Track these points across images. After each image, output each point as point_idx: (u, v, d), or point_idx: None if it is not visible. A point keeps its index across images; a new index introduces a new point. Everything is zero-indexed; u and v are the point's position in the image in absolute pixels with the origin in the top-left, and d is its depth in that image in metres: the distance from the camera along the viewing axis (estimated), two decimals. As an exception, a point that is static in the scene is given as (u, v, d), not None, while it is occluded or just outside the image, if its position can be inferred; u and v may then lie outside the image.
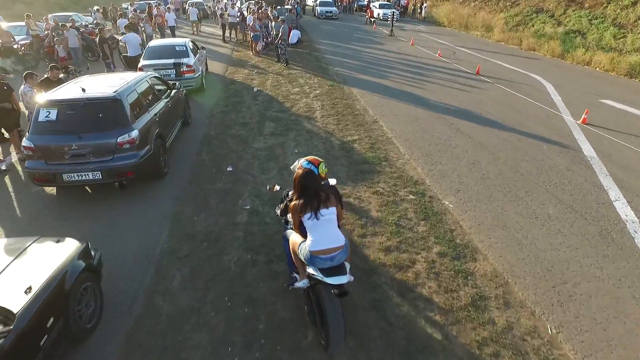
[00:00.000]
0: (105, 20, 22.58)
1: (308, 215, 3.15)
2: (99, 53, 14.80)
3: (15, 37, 13.79)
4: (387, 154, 7.18)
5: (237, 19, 19.14)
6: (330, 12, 30.44)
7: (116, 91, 5.47)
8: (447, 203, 5.64)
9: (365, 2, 36.82)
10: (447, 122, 8.80)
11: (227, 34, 19.76)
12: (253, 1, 26.65)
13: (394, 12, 23.26)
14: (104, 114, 5.31)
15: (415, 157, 7.11)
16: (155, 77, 7.19)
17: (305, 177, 3.19)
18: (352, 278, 3.49)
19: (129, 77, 6.29)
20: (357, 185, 6.08)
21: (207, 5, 29.59)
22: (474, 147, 7.51)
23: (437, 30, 25.94)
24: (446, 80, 12.59)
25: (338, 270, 3.15)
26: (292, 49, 17.15)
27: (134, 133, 5.38)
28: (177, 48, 10.44)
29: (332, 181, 3.76)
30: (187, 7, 28.76)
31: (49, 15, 21.05)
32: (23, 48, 13.49)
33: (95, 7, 23.92)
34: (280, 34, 14.06)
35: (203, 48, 12.72)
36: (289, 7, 22.70)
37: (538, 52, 18.25)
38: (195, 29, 23.47)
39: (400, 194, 5.84)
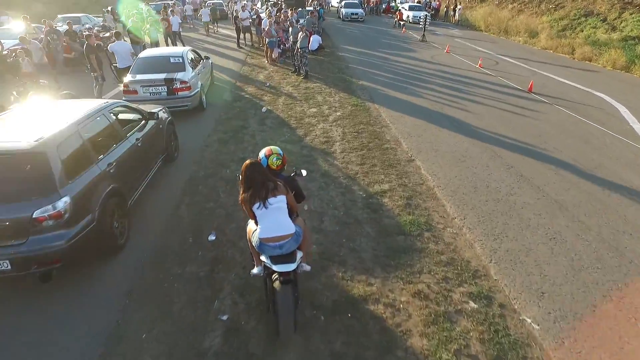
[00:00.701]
0: (117, 22, 21.34)
1: (257, 204, 3.19)
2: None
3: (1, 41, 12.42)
4: (430, 217, 5.23)
5: (250, 21, 17.52)
6: (356, 14, 28.49)
7: (40, 139, 3.74)
8: (528, 321, 3.66)
9: (385, 5, 34.84)
10: (504, 163, 6.76)
11: (242, 38, 18.12)
12: (272, 2, 25.07)
13: (426, 15, 21.03)
14: (16, 174, 3.60)
15: (469, 223, 5.13)
16: (123, 106, 5.47)
17: (250, 169, 3.23)
18: (308, 268, 3.62)
19: (78, 110, 4.56)
20: (388, 276, 4.17)
21: (225, 4, 27.97)
22: (549, 207, 5.46)
23: (473, 35, 23.61)
24: (493, 100, 10.48)
25: (286, 258, 3.22)
26: (311, 56, 15.34)
27: (62, 203, 3.63)
28: (172, 60, 8.77)
29: (304, 172, 3.80)
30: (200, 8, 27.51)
31: (59, 16, 20.02)
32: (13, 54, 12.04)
33: (109, 8, 22.72)
34: (298, 41, 12.25)
35: (207, 58, 11.06)
36: (311, 9, 20.94)
37: (595, 62, 15.77)
38: (208, 31, 22.17)
39: (454, 297, 3.90)
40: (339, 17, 30.48)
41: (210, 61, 11.31)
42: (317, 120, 8.80)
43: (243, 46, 17.87)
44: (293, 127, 8.40)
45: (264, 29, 15.10)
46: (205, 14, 24.19)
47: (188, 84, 8.41)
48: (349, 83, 12.02)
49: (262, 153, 3.55)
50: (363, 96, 10.73)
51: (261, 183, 3.17)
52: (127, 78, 8.27)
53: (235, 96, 10.67)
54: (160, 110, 6.55)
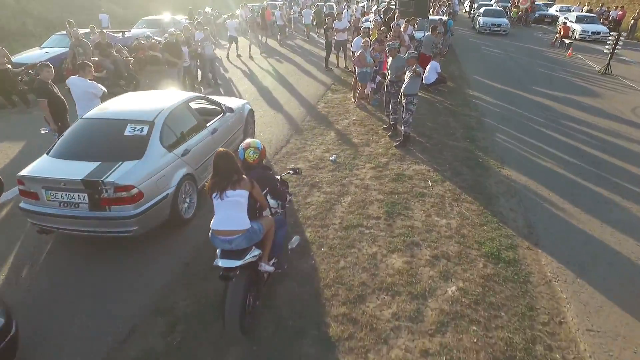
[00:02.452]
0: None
1: (215, 194, 3.12)
2: (133, 78, 10.19)
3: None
4: None
5: (348, 34, 12.83)
6: (498, 25, 21.68)
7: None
8: None
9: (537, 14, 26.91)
10: None
11: (340, 56, 13.48)
12: (378, 8, 19.82)
13: (618, 34, 13.66)
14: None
15: None
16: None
17: (218, 157, 3.14)
18: (270, 268, 3.47)
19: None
20: None
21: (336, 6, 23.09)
22: None
23: (692, 66, 15.30)
24: None
25: (235, 254, 3.11)
26: (424, 93, 9.98)
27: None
28: (130, 131, 4.46)
29: (298, 169, 4.21)
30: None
31: (144, 19, 17.95)
32: (21, 73, 9.22)
33: (207, 8, 20.15)
34: (404, 83, 7.09)
35: (244, 105, 6.84)
36: (436, 18, 15.34)
37: None
38: (309, 35, 19.60)
39: None
40: (474, 27, 23.94)
41: (246, 110, 6.88)
42: (401, 299, 3.67)
43: (333, 67, 13.22)
44: (336, 318, 3.45)
45: (354, 52, 10.19)
46: (307, 15, 20.40)
47: (135, 190, 4.02)
48: (482, 170, 6.46)
49: (241, 145, 3.50)
50: (511, 219, 5.14)
51: (225, 173, 3.09)
52: (25, 170, 4.21)
53: (276, 171, 6.02)
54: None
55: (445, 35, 14.36)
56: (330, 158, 5.16)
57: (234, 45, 14.93)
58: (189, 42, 10.45)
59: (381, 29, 11.64)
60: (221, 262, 3.04)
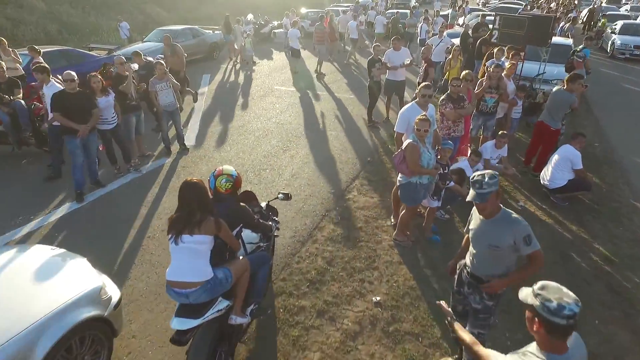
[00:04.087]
0: (228, 34, 14.64)
1: (170, 236, 2.57)
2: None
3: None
4: None
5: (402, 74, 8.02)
6: (646, 48, 14.97)
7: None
8: None
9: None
10: None
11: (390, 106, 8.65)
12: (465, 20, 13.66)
13: None
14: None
15: None
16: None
17: (184, 187, 2.59)
18: (243, 320, 2.86)
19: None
20: None
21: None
22: None
23: None
24: None
25: (192, 311, 2.57)
26: (542, 215, 4.81)
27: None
28: None
29: (281, 196, 3.62)
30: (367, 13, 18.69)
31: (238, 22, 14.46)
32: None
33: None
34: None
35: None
36: (563, 42, 9.78)
37: None
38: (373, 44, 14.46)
39: None
40: (601, 47, 17.35)
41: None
42: None
43: (378, 122, 8.37)
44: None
45: (398, 134, 5.10)
46: (379, 23, 15.84)
47: None
48: None
49: (212, 172, 2.90)
50: None
51: (187, 211, 2.55)
52: None
53: None
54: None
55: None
56: None
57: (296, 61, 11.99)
58: (160, 74, 6.35)
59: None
60: (175, 322, 2.54)
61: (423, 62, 7.52)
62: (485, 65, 7.08)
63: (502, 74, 6.19)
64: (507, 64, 6.61)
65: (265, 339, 3.40)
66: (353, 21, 14.63)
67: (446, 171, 4.62)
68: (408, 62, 7.65)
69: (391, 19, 17.05)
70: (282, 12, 18.51)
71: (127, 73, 6.13)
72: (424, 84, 4.77)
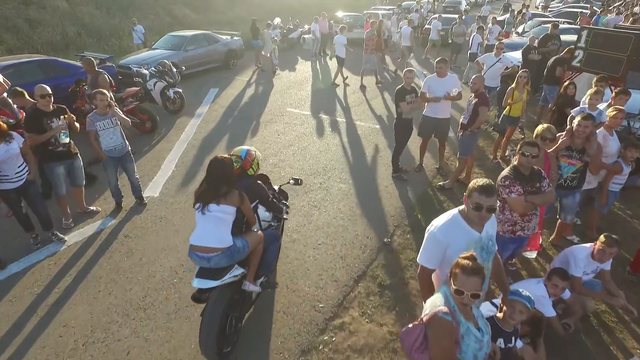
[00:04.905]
0: (255, 39, 12.94)
1: (197, 205, 2.85)
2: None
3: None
4: None
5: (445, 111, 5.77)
6: None
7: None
8: None
9: None
10: None
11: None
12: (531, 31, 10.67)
13: None
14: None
15: None
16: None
17: (213, 163, 2.83)
18: (256, 288, 3.09)
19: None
20: None
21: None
22: None
23: None
24: None
25: (212, 273, 2.81)
26: None
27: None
28: None
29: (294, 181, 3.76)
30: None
31: (270, 25, 13.01)
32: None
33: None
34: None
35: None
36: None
37: None
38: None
39: None
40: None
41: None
42: None
43: (407, 172, 6.23)
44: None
45: (427, 277, 3.09)
46: (435, 29, 13.54)
47: None
48: None
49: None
50: None
51: (214, 183, 2.80)
52: None
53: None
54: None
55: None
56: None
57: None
58: (102, 108, 4.65)
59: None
60: (195, 282, 2.80)
61: (472, 96, 5.30)
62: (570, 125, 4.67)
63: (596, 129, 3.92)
64: (608, 112, 4.27)
65: None
66: (407, 27, 12.44)
67: (512, 330, 2.51)
68: (455, 93, 5.48)
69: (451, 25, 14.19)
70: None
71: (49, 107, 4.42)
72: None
